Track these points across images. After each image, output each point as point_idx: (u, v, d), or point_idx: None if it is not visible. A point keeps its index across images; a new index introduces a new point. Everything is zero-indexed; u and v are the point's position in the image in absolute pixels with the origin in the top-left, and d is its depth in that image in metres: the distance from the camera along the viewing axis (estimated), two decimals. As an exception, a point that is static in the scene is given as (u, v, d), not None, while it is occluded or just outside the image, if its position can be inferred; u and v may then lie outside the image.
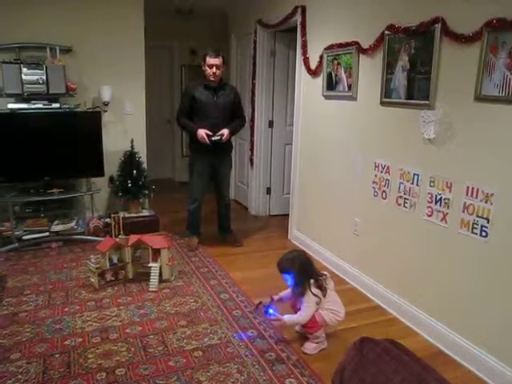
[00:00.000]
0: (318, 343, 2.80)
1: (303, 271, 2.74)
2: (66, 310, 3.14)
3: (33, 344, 2.71)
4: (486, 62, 2.40)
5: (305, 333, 2.84)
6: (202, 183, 4.32)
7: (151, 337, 2.83)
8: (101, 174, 4.46)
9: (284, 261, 2.78)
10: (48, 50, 4.27)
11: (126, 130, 4.92)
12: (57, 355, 2.61)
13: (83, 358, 2.59)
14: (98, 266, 3.44)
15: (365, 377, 1.43)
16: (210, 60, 4.00)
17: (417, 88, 2.91)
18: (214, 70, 4.01)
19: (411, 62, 2.93)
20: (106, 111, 4.65)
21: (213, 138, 4.00)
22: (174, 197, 6.39)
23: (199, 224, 4.55)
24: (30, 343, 2.72)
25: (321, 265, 4.10)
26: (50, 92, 4.21)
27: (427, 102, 2.82)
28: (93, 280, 3.47)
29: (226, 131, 4.06)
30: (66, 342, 2.74)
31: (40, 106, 4.20)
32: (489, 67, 2.39)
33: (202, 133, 4.00)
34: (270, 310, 2.80)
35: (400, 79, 3.04)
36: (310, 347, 2.79)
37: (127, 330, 2.90)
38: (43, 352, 2.63)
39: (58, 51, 4.32)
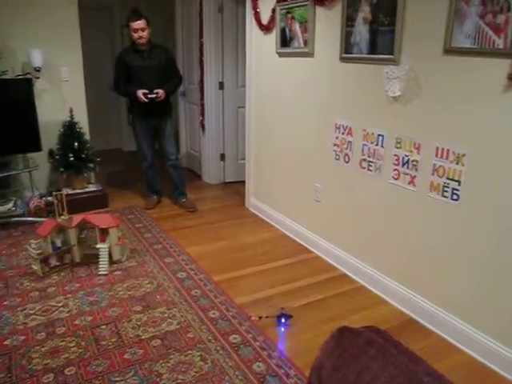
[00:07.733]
0: None
1: None
2: (5, 303, 2.81)
3: (-34, 348, 2.40)
4: (457, 11, 2.19)
5: None
6: (147, 142, 4.48)
7: (103, 327, 2.57)
8: (37, 148, 4.01)
9: None
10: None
11: (63, 99, 4.46)
12: (-5, 359, 2.31)
13: (26, 358, 2.30)
14: (39, 251, 3.10)
15: (347, 375, 1.24)
16: (134, 24, 4.01)
17: (380, 41, 2.67)
18: (140, 33, 4.03)
19: (373, 12, 2.68)
20: (38, 78, 4.18)
21: (149, 95, 4.10)
22: (122, 168, 6.03)
23: (155, 183, 4.69)
24: (-38, 347, 2.40)
25: (281, 233, 3.94)
26: (-31, 58, 3.71)
27: (391, 56, 2.60)
28: (35, 267, 3.13)
29: (160, 90, 4.13)
30: (5, 342, 2.43)
31: (-42, 74, 3.70)
32: (460, 16, 2.18)
33: (139, 93, 4.09)
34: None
35: (361, 32, 2.80)
36: None
37: (76, 322, 2.62)
38: (-21, 357, 2.33)
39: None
